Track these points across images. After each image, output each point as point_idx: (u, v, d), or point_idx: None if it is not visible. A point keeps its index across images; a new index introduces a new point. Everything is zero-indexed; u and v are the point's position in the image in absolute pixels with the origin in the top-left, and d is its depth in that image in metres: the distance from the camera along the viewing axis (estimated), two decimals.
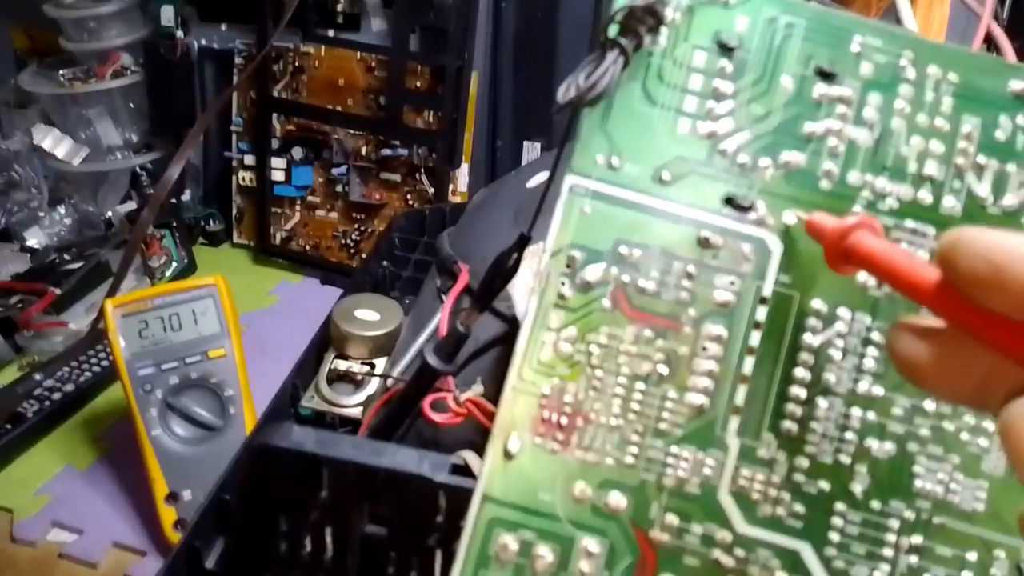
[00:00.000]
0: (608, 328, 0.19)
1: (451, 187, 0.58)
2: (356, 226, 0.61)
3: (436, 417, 0.26)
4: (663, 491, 0.19)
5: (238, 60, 0.62)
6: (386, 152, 0.58)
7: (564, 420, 0.19)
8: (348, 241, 0.61)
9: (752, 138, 0.20)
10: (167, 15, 0.61)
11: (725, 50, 0.20)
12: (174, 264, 0.60)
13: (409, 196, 0.59)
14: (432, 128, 0.57)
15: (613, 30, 0.19)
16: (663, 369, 0.19)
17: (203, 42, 0.62)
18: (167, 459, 0.41)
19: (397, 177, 0.59)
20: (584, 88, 0.19)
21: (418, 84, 0.57)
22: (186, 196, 0.65)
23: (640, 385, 0.19)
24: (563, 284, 0.19)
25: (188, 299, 0.44)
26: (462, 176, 0.58)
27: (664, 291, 0.20)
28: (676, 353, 0.19)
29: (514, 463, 0.19)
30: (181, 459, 0.41)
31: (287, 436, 0.23)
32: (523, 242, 0.23)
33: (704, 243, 0.20)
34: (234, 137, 0.62)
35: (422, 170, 0.58)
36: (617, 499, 0.19)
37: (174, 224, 0.60)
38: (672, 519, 0.19)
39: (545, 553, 0.18)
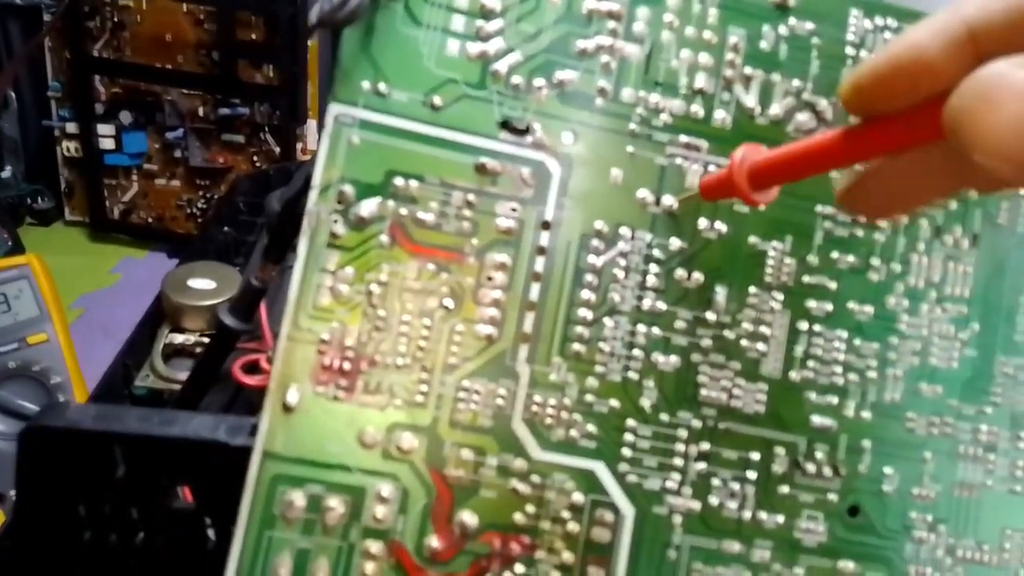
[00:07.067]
0: (388, 265, 0.18)
1: (299, 145, 0.55)
2: (201, 193, 0.57)
3: (248, 380, 0.25)
4: (456, 427, 0.18)
5: (47, 17, 0.56)
6: (224, 111, 0.54)
7: (347, 365, 0.18)
8: (194, 210, 0.57)
9: (524, 58, 0.19)
10: None
11: None
12: None
13: (256, 157, 0.56)
14: (272, 83, 0.54)
15: None
16: (449, 303, 0.19)
17: None
18: None
19: (241, 138, 0.55)
20: (333, 7, 0.17)
21: (253, 36, 0.53)
22: (6, 173, 0.59)
23: (426, 321, 0.18)
24: (335, 222, 0.18)
25: None
26: (310, 132, 0.56)
27: (445, 223, 0.19)
28: (461, 285, 0.19)
29: (296, 416, 0.18)
30: (5, 457, 0.38)
31: (62, 415, 0.21)
32: (309, 183, 0.21)
33: (482, 170, 0.19)
34: (53, 104, 0.57)
35: (266, 129, 0.55)
36: (409, 441, 0.18)
37: None
38: (467, 454, 0.18)
39: (336, 505, 0.18)
